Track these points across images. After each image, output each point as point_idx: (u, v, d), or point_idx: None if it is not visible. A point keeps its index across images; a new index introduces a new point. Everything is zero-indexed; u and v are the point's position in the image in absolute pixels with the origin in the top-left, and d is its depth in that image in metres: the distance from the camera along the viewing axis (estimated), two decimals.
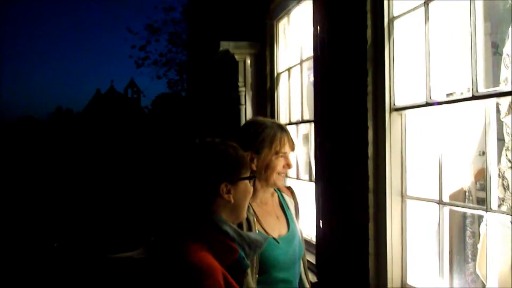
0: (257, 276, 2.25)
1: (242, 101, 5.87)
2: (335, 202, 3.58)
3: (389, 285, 3.06)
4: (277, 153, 2.38)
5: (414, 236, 3.07)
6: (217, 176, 1.77)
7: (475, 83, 2.40)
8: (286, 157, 2.42)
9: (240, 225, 2.20)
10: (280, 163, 2.39)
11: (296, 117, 4.94)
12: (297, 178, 4.75)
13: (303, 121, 4.71)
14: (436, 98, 2.75)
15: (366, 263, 3.16)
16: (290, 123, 5.05)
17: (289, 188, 2.64)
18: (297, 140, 4.77)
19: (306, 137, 4.78)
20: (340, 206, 3.52)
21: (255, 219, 2.33)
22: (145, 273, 1.78)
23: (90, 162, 25.07)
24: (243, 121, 5.90)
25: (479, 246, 2.91)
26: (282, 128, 2.45)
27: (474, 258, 3.11)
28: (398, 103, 3.05)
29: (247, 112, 5.86)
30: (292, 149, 2.46)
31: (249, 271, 2.14)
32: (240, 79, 5.83)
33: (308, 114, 4.73)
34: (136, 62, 24.28)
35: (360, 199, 3.22)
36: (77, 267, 7.03)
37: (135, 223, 9.71)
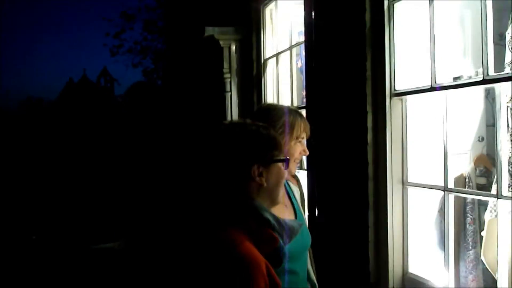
0: None
1: (228, 88, 5.74)
2: (333, 191, 3.50)
3: (390, 274, 3.00)
4: (297, 138, 2.29)
5: (416, 223, 3.02)
6: (248, 157, 1.65)
7: (485, 67, 2.34)
8: (302, 143, 2.33)
9: None
10: (298, 149, 2.30)
11: (285, 104, 4.84)
12: None
13: None
14: (440, 82, 2.68)
15: (366, 252, 3.10)
16: None
17: (294, 177, 2.55)
18: None
19: None
20: (338, 194, 3.44)
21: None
22: (180, 262, 1.66)
23: (64, 153, 24.62)
24: (228, 109, 5.79)
25: (483, 233, 2.87)
26: (300, 114, 2.36)
27: (474, 245, 3.08)
28: (399, 88, 2.98)
29: (233, 99, 5.74)
30: (308, 134, 2.37)
31: None
32: (226, 65, 5.69)
33: (297, 101, 4.65)
34: (111, 50, 23.84)
35: (359, 187, 3.15)
36: (59, 259, 6.86)
37: (112, 214, 9.54)
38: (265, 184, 1.67)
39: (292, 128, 2.27)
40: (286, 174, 1.76)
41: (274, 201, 1.73)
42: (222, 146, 1.67)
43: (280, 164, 1.72)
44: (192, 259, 1.59)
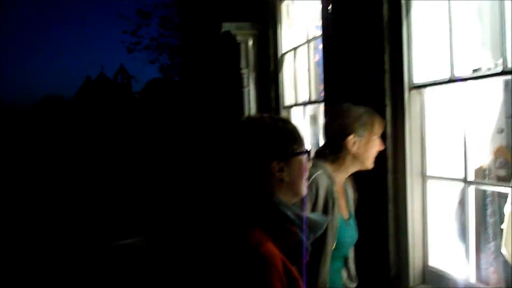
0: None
1: (245, 84, 5.77)
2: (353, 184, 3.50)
3: (410, 267, 3.01)
4: (376, 134, 2.39)
5: (436, 216, 3.02)
6: (267, 153, 1.60)
7: (504, 58, 2.33)
8: (379, 139, 2.41)
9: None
10: (377, 144, 2.41)
11: (303, 98, 4.86)
12: None
13: (310, 102, 4.63)
14: (458, 74, 2.67)
15: (387, 246, 3.11)
16: (297, 104, 4.97)
17: (352, 180, 2.64)
18: (304, 121, 4.70)
19: (313, 118, 4.71)
20: (358, 188, 3.44)
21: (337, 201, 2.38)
22: (198, 260, 1.65)
23: (83, 149, 24.89)
24: (246, 105, 5.81)
25: (503, 226, 2.85)
26: (374, 111, 2.45)
27: (495, 238, 3.06)
28: (417, 80, 2.97)
29: (251, 94, 5.77)
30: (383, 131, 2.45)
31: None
32: (243, 61, 5.72)
33: (315, 95, 4.66)
34: (127, 47, 23.93)
35: (379, 180, 3.15)
36: (80, 256, 6.95)
37: (131, 211, 9.62)
38: (286, 179, 1.62)
39: (372, 125, 2.35)
40: (308, 166, 1.72)
41: (296, 195, 1.68)
42: (240, 143, 1.64)
43: (301, 157, 1.66)
44: (210, 257, 1.59)
